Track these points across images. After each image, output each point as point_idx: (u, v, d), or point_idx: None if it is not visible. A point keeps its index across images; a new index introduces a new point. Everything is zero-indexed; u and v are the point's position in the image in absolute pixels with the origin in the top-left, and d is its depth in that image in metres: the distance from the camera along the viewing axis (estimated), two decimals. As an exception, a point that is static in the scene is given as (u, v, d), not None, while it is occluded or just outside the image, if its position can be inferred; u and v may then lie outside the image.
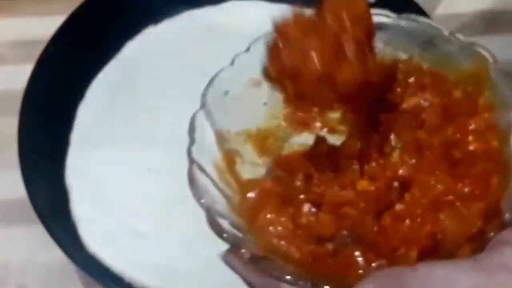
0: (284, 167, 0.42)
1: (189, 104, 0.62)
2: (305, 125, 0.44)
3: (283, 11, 0.66)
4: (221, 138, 0.42)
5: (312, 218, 0.39)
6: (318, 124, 0.44)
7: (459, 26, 0.67)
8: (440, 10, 0.64)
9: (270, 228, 0.39)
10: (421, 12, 0.62)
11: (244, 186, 0.41)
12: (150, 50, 0.66)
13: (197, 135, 0.41)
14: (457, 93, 0.41)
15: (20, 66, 0.62)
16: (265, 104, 0.45)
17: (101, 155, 0.60)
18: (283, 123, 0.45)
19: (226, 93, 0.44)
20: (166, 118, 0.62)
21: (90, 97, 0.64)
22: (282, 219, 0.39)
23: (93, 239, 0.56)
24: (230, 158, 0.42)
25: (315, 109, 0.43)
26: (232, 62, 0.45)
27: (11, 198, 0.60)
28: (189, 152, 0.40)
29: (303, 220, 0.39)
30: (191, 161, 0.40)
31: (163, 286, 0.54)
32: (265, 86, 0.43)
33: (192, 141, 0.41)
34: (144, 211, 0.58)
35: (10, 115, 0.59)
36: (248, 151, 0.44)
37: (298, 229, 0.39)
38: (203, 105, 0.42)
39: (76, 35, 0.64)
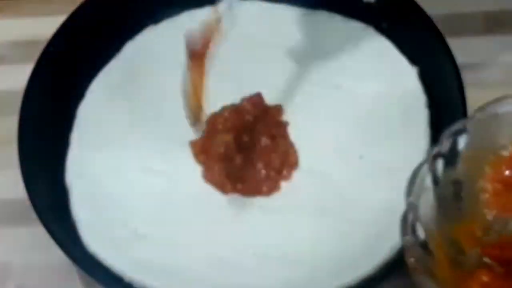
0: (496, 256, 0.41)
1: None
2: (507, 211, 0.44)
3: (283, 11, 0.67)
4: (429, 237, 0.42)
5: None
6: None
7: (459, 26, 0.67)
8: (440, 10, 0.64)
9: None
10: (421, 13, 0.62)
11: (459, 280, 0.41)
12: (150, 50, 0.66)
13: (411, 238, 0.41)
14: None
15: (20, 66, 0.62)
16: (461, 197, 0.45)
17: (101, 155, 0.60)
18: (484, 211, 0.44)
19: (426, 189, 0.44)
20: (166, 118, 0.62)
21: (90, 97, 0.64)
22: None
23: (93, 239, 0.56)
24: (440, 253, 0.42)
25: None
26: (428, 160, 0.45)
27: (11, 198, 0.60)
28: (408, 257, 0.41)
29: None
30: (414, 266, 0.41)
31: (163, 286, 0.54)
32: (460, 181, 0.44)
33: (407, 246, 0.41)
34: (144, 211, 0.57)
35: (10, 115, 0.59)
36: (453, 243, 0.43)
37: None
38: (413, 207, 0.43)
39: (76, 35, 0.64)
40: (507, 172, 0.44)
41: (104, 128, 0.62)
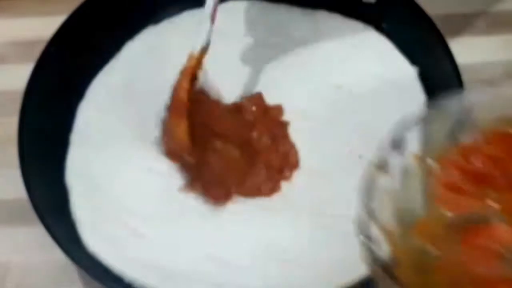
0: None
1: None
2: (460, 207, 0.44)
3: (283, 11, 0.67)
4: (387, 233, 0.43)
5: None
6: (475, 204, 0.43)
7: (460, 26, 0.67)
8: (440, 10, 0.64)
9: None
10: (421, 13, 0.62)
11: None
12: (150, 50, 0.66)
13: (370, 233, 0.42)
14: None
15: (20, 66, 0.62)
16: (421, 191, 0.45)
17: (101, 155, 0.60)
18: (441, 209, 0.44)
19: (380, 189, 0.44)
20: (166, 118, 0.62)
21: (90, 97, 0.64)
22: None
23: (93, 239, 0.56)
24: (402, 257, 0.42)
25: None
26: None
27: (11, 198, 0.60)
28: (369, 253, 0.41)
29: None
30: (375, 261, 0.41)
31: (163, 286, 0.54)
32: (419, 175, 0.44)
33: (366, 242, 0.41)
34: (144, 211, 0.57)
35: (10, 115, 0.59)
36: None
37: None
38: (367, 208, 0.43)
39: (76, 35, 0.64)
40: (455, 175, 0.44)
41: (104, 128, 0.62)
